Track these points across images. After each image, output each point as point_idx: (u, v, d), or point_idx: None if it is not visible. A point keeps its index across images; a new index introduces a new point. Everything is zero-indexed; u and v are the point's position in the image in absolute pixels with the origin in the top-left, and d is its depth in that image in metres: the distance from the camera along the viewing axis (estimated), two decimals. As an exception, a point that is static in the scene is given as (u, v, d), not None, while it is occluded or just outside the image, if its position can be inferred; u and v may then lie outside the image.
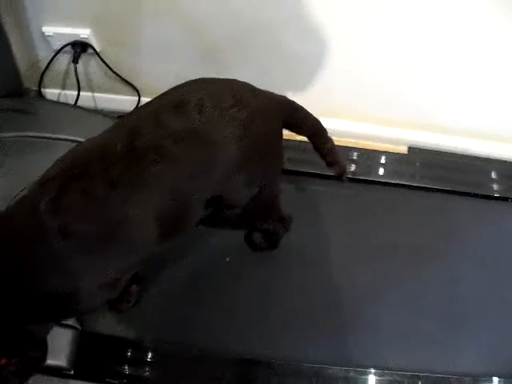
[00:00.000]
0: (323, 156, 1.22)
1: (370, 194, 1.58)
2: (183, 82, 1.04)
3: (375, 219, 1.54)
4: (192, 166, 0.96)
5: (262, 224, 1.33)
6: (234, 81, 1.06)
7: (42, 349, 1.14)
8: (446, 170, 1.64)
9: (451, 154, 1.69)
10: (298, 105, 1.14)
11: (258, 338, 1.37)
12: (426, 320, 1.37)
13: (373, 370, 1.30)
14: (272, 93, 1.10)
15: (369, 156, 1.64)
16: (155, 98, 1.02)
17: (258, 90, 1.07)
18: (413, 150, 1.67)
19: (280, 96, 1.12)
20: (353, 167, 1.61)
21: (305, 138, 1.22)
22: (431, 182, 1.60)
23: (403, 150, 1.66)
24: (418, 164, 1.63)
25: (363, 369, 1.30)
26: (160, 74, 1.58)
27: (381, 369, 1.30)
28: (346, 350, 1.34)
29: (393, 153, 1.66)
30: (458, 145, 1.67)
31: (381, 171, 1.61)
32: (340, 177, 1.26)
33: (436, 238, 1.51)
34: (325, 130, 1.19)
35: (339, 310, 1.40)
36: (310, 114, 1.16)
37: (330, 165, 1.23)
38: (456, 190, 1.59)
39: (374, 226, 1.53)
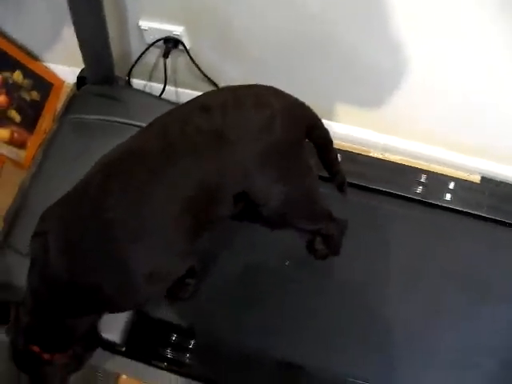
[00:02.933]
0: (328, 165, 1.22)
1: (434, 218, 1.51)
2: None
3: (436, 244, 1.47)
4: (217, 161, 0.98)
5: (310, 226, 1.30)
6: (258, 85, 1.09)
7: (88, 345, 1.15)
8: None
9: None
10: (315, 112, 1.14)
11: (304, 344, 1.34)
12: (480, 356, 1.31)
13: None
14: (295, 97, 1.10)
15: (438, 180, 1.56)
16: (185, 102, 1.08)
17: (282, 92, 1.09)
18: (485, 180, 1.58)
19: (301, 101, 1.12)
20: (420, 189, 1.54)
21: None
22: (500, 214, 1.50)
23: (475, 178, 1.58)
24: (487, 194, 1.54)
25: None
26: (240, 76, 1.58)
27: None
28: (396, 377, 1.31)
29: (463, 180, 1.57)
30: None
31: (448, 197, 1.53)
32: (341, 186, 1.27)
33: (497, 272, 1.43)
34: (332, 141, 1.19)
35: (391, 331, 1.36)
36: (323, 124, 1.16)
37: (333, 175, 1.24)
38: (526, 225, 1.49)
39: (433, 252, 1.46)
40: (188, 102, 1.07)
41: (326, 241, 1.38)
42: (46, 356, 1.07)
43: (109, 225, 0.95)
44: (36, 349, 1.06)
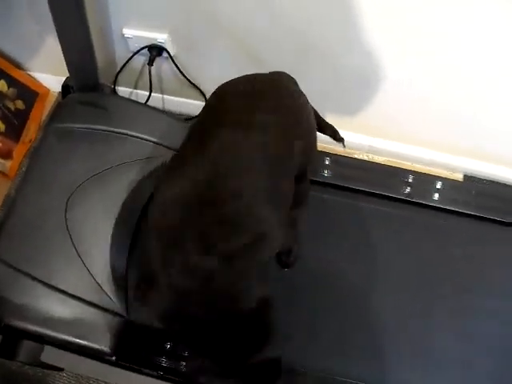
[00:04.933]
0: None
1: (422, 218, 1.49)
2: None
3: (425, 243, 1.46)
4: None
5: None
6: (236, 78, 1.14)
7: None
8: (499, 200, 1.53)
9: (506, 185, 1.60)
10: None
11: (304, 348, 1.30)
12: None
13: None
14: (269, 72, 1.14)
15: (424, 180, 1.55)
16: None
17: (255, 74, 1.12)
18: (468, 178, 1.57)
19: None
20: (407, 189, 1.52)
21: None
22: (483, 211, 1.49)
23: (458, 177, 1.57)
24: (473, 192, 1.53)
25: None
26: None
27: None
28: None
29: (448, 179, 1.57)
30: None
31: (435, 196, 1.52)
32: (335, 135, 1.30)
33: (483, 268, 1.42)
34: None
35: (383, 333, 1.35)
36: None
37: (328, 132, 1.29)
38: (508, 221, 1.48)
39: (422, 250, 1.45)
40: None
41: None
42: None
43: None
44: None
